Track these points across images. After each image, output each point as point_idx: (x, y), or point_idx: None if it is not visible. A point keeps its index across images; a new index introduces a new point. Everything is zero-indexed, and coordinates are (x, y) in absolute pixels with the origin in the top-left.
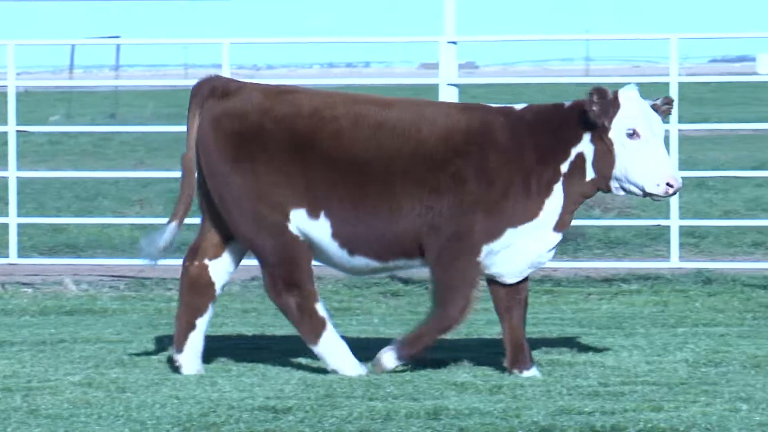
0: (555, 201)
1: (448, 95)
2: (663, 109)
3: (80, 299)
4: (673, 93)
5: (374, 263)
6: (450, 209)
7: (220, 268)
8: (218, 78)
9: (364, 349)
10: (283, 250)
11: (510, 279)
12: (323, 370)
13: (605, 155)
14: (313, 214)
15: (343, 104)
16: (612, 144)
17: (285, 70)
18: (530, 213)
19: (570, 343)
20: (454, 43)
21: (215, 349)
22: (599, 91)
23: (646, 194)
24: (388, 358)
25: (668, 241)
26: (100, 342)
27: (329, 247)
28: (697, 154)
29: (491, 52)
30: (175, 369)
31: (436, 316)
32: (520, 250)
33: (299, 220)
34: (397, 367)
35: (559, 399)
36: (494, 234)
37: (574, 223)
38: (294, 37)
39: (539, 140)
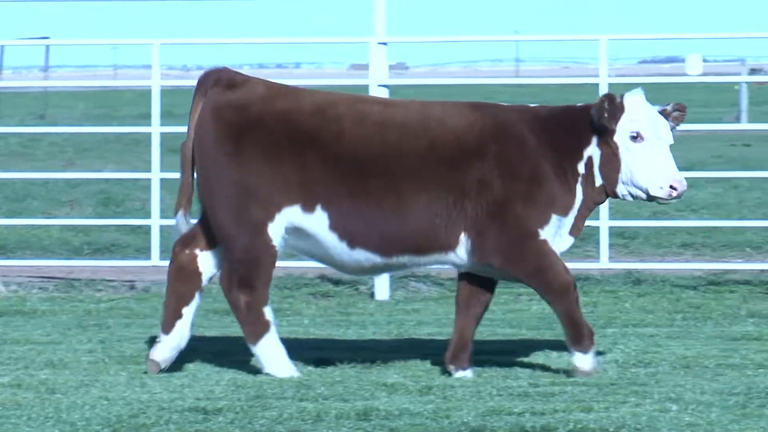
0: (576, 201)
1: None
2: (674, 115)
3: (9, 300)
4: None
5: (376, 258)
6: (487, 210)
7: (210, 260)
8: (225, 70)
9: (295, 349)
10: (252, 251)
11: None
12: (254, 372)
13: (611, 159)
14: (309, 207)
15: (346, 103)
16: (617, 147)
17: None
18: (566, 206)
19: (500, 343)
20: (385, 44)
21: (144, 350)
22: (610, 97)
23: (650, 197)
24: (581, 361)
25: (598, 242)
26: (29, 343)
27: (327, 240)
28: None
29: (421, 53)
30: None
31: (557, 299)
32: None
33: (292, 216)
34: (593, 364)
35: (489, 400)
36: (543, 219)
37: None
38: (224, 37)
39: (556, 138)
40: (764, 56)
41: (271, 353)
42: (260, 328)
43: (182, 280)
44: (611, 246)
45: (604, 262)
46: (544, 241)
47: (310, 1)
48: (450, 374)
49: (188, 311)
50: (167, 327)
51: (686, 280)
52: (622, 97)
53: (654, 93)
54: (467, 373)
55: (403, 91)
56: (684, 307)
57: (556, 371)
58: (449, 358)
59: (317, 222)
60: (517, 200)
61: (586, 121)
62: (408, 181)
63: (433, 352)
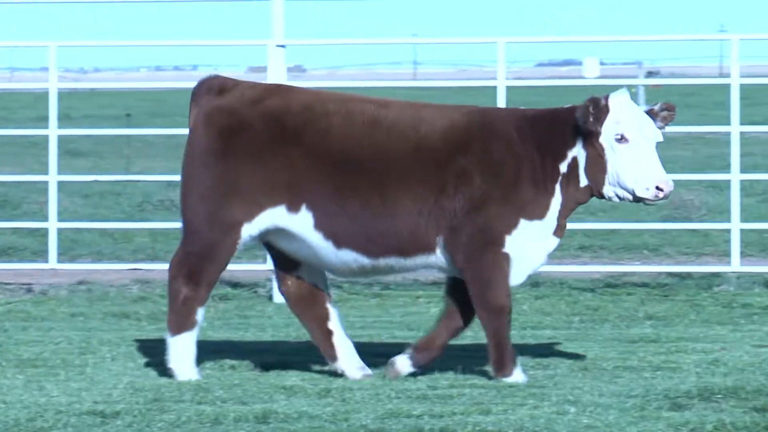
0: (556, 202)
1: None
2: (662, 115)
3: None
4: (501, 97)
5: (363, 259)
6: (463, 207)
7: (312, 271)
8: (216, 77)
9: None
10: (214, 248)
11: (515, 281)
12: (152, 375)
13: (597, 160)
14: (294, 208)
15: (335, 102)
16: (603, 149)
17: (113, 73)
18: (540, 209)
19: (399, 346)
20: (283, 46)
21: (42, 353)
22: (594, 100)
23: (636, 198)
24: (510, 381)
25: None
26: None
27: (312, 240)
28: None
29: (319, 55)
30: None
31: (490, 318)
32: (528, 250)
33: (276, 218)
34: (513, 377)
35: (387, 402)
36: (511, 224)
37: None
38: (121, 40)
39: (541, 138)
40: (661, 59)
41: (182, 352)
42: (185, 324)
43: (308, 307)
44: None
45: None
46: (506, 255)
47: (208, 4)
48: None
49: (334, 324)
50: (330, 354)
51: (584, 282)
52: (606, 98)
53: (551, 96)
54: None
55: None
56: (582, 310)
57: (455, 373)
58: (414, 348)
59: (302, 222)
60: (492, 201)
61: (571, 122)
62: (393, 180)
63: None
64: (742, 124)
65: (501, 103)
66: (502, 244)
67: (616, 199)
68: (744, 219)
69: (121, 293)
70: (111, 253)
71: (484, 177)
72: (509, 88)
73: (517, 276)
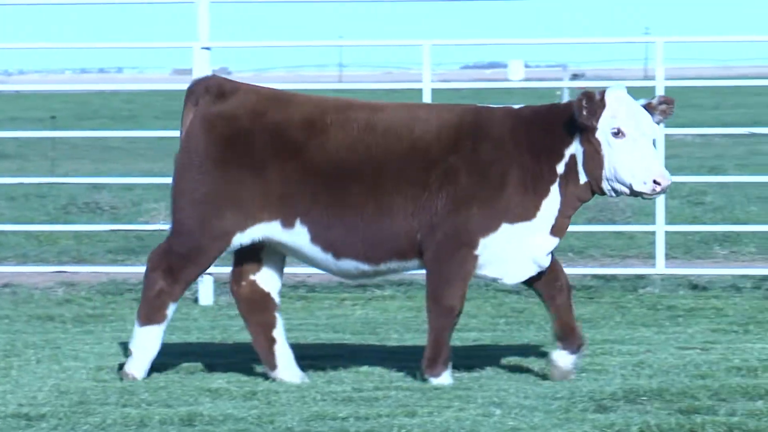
0: (552, 202)
1: None
2: (661, 109)
3: None
4: (426, 99)
5: (364, 266)
6: (445, 205)
7: (268, 276)
8: (214, 78)
9: (116, 356)
10: (201, 253)
11: (509, 281)
12: (77, 377)
13: (594, 156)
14: (288, 223)
15: (334, 112)
16: (599, 144)
17: (37, 75)
18: (527, 211)
19: (324, 348)
20: (208, 48)
21: None
22: (588, 94)
23: (634, 193)
24: (435, 382)
25: None
26: None
27: (311, 253)
28: None
29: (245, 58)
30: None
31: (438, 314)
32: (517, 251)
33: (271, 232)
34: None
35: (313, 405)
36: (490, 227)
37: None
38: (45, 42)
39: (536, 138)
40: (586, 62)
41: (144, 344)
42: (155, 317)
43: (257, 311)
44: None
45: None
46: (474, 258)
47: (133, 6)
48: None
49: (278, 333)
50: (271, 363)
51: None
52: (603, 93)
53: (476, 98)
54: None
55: None
56: (507, 312)
57: (380, 376)
58: (563, 346)
59: (298, 237)
60: (475, 202)
61: (567, 119)
62: (388, 184)
63: (256, 357)
64: (666, 126)
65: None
66: (475, 246)
67: (614, 195)
68: (669, 221)
69: (46, 296)
70: (36, 256)
71: (470, 177)
72: (434, 91)
73: (510, 273)
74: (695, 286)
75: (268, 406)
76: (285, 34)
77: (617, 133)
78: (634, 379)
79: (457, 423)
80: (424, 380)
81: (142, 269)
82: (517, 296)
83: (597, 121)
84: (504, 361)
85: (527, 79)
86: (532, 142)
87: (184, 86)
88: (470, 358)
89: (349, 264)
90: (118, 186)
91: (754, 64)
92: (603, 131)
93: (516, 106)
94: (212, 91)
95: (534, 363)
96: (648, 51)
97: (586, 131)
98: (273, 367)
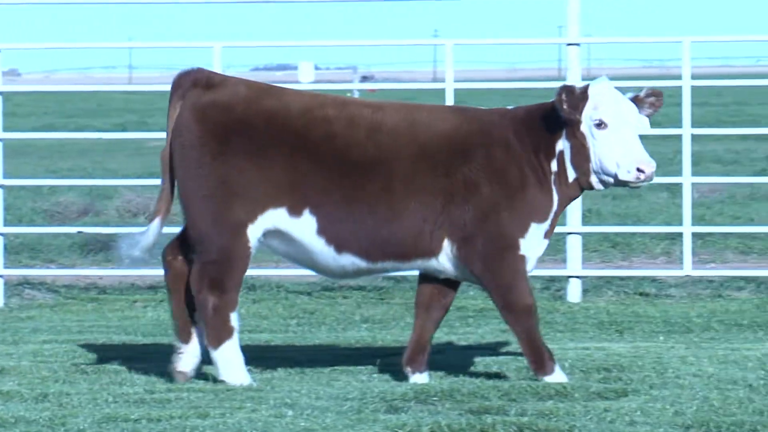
0: (554, 202)
1: None
2: (649, 101)
3: None
4: None
5: (362, 263)
6: (474, 217)
7: None
8: (200, 70)
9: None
10: (228, 252)
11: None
12: None
13: (580, 150)
14: (296, 211)
15: (334, 106)
16: (584, 138)
17: None
18: (547, 208)
19: (116, 350)
20: None
21: None
22: (567, 88)
23: (619, 182)
24: (550, 379)
25: None
26: None
27: (314, 245)
28: None
29: (34, 59)
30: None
31: (518, 318)
32: (534, 251)
33: (277, 220)
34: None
35: (105, 407)
36: (524, 228)
37: (120, 231)
38: None
39: (533, 138)
40: (375, 64)
41: (229, 360)
42: (224, 333)
43: (182, 286)
44: None
45: None
46: (522, 257)
47: None
48: (407, 377)
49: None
50: (184, 336)
51: (301, 286)
52: (586, 87)
53: None
54: (423, 377)
55: (17, 98)
56: (299, 313)
57: (170, 378)
58: (407, 360)
59: (304, 226)
60: (503, 208)
61: (554, 116)
62: (399, 186)
63: (47, 359)
64: None
65: None
66: (518, 247)
67: (602, 187)
68: None
69: None
70: None
71: (490, 183)
72: None
73: None
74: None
75: (59, 408)
76: (74, 36)
77: (600, 124)
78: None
79: (250, 424)
80: (537, 379)
81: None
82: (308, 297)
83: (579, 114)
84: (296, 362)
85: (317, 81)
86: (532, 142)
87: None
88: (262, 360)
89: (348, 260)
90: None
91: (541, 66)
92: (586, 124)
93: (510, 108)
94: (201, 82)
95: (325, 364)
96: (437, 53)
97: (571, 126)
98: (186, 340)
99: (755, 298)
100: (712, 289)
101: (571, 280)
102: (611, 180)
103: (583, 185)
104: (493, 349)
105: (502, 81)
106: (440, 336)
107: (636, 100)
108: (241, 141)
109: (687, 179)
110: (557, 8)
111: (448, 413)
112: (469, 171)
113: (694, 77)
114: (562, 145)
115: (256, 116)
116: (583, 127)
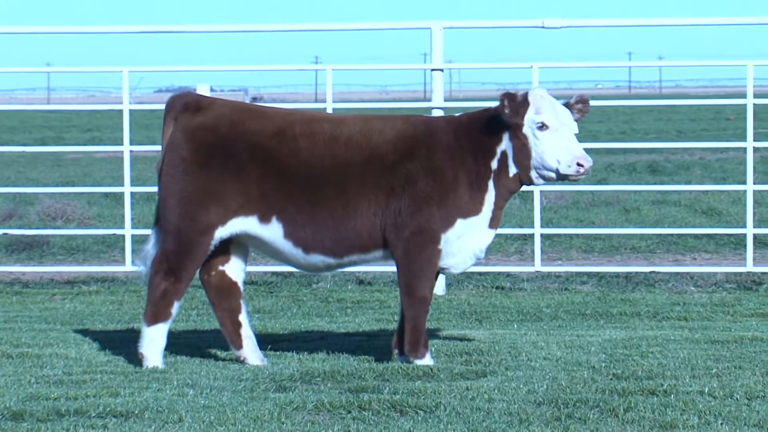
0: (490, 196)
1: None
2: (578, 107)
3: None
4: (125, 120)
5: (330, 260)
6: (408, 207)
7: (235, 266)
8: (191, 94)
9: None
10: (190, 246)
11: (455, 270)
12: None
13: (522, 149)
14: (265, 219)
15: (301, 123)
16: (526, 138)
17: None
18: (475, 206)
19: (38, 337)
20: None
21: None
22: (508, 95)
23: (560, 176)
24: (420, 363)
25: (123, 248)
26: None
27: (283, 247)
28: (146, 172)
29: None
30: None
31: (412, 304)
32: (466, 244)
33: (249, 225)
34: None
35: (28, 387)
36: (448, 223)
37: (41, 232)
38: None
39: (473, 141)
40: (264, 86)
41: (154, 340)
42: (161, 316)
43: (225, 298)
44: (134, 251)
45: (129, 265)
46: (439, 251)
47: None
48: (395, 359)
49: (243, 317)
50: (237, 342)
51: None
52: (525, 93)
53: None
54: (428, 360)
55: None
56: (198, 305)
57: (88, 361)
58: (395, 343)
59: (273, 231)
60: (434, 203)
61: (497, 120)
62: (353, 187)
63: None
64: None
65: (126, 123)
66: (438, 241)
67: (541, 182)
68: None
69: None
70: None
71: (426, 180)
72: (133, 112)
73: (458, 264)
74: (362, 281)
75: None
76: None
77: (542, 127)
78: (309, 363)
79: (156, 402)
80: (409, 362)
81: None
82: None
83: (522, 118)
84: (196, 347)
85: None
86: (471, 145)
87: None
88: (168, 346)
89: (317, 258)
90: None
91: (409, 89)
92: (528, 126)
93: (457, 114)
94: (191, 106)
95: (222, 349)
96: (318, 77)
97: (514, 128)
98: (239, 347)
99: (597, 290)
100: (560, 283)
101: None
102: (552, 175)
103: (523, 180)
104: (368, 336)
105: (375, 102)
106: (322, 324)
107: (567, 106)
108: (224, 156)
109: (537, 187)
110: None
111: (330, 392)
112: (411, 168)
113: None
114: (505, 145)
115: (237, 136)
116: (525, 129)
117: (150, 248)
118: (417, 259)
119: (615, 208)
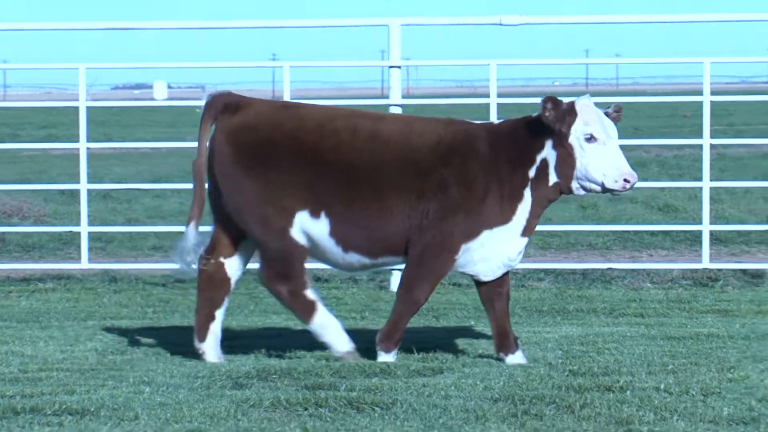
0: (525, 205)
1: None
2: (614, 116)
3: None
4: (82, 117)
5: (365, 260)
6: (435, 212)
7: (235, 265)
8: (230, 94)
9: None
10: (284, 251)
11: (485, 278)
12: None
13: (566, 159)
14: (315, 214)
15: (343, 117)
16: (572, 148)
17: None
18: (504, 216)
19: None
20: None
21: None
22: (551, 99)
23: (605, 190)
24: (382, 357)
25: (79, 246)
26: None
27: (326, 245)
28: (102, 170)
29: None
30: (197, 356)
31: (405, 301)
32: (494, 252)
33: (303, 221)
34: (393, 359)
35: None
36: (472, 234)
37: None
38: None
39: (511, 150)
40: (222, 83)
41: (325, 325)
42: (308, 307)
43: (214, 287)
44: (91, 249)
45: (85, 263)
46: (454, 261)
47: None
48: (503, 360)
49: (219, 313)
50: (202, 334)
51: (157, 278)
52: (572, 103)
53: (126, 115)
54: (517, 357)
55: None
56: (155, 302)
57: (44, 359)
58: (498, 347)
59: (321, 227)
60: (460, 211)
61: (539, 128)
62: (388, 188)
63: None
64: None
65: (82, 120)
66: (456, 251)
67: (582, 192)
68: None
69: None
70: None
71: (458, 187)
72: (90, 109)
73: (486, 271)
74: (318, 278)
75: None
76: None
77: (590, 139)
78: (266, 360)
79: (112, 399)
80: (375, 349)
81: None
82: (163, 288)
83: (568, 127)
84: (153, 345)
85: (170, 99)
86: (508, 154)
87: None
88: (123, 343)
89: (353, 257)
90: None
91: (366, 86)
92: (576, 137)
93: (497, 122)
94: (231, 106)
95: (179, 346)
96: (276, 74)
97: (559, 137)
98: (202, 339)
99: (553, 287)
100: (517, 279)
101: (394, 272)
102: (597, 188)
103: (563, 190)
104: None
105: (333, 99)
106: (279, 321)
107: (607, 114)
108: (267, 156)
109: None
110: (381, 35)
111: (287, 389)
112: (444, 174)
113: (499, 96)
114: (547, 153)
115: (279, 134)
116: (572, 140)
117: (187, 245)
118: (429, 263)
119: (572, 205)
